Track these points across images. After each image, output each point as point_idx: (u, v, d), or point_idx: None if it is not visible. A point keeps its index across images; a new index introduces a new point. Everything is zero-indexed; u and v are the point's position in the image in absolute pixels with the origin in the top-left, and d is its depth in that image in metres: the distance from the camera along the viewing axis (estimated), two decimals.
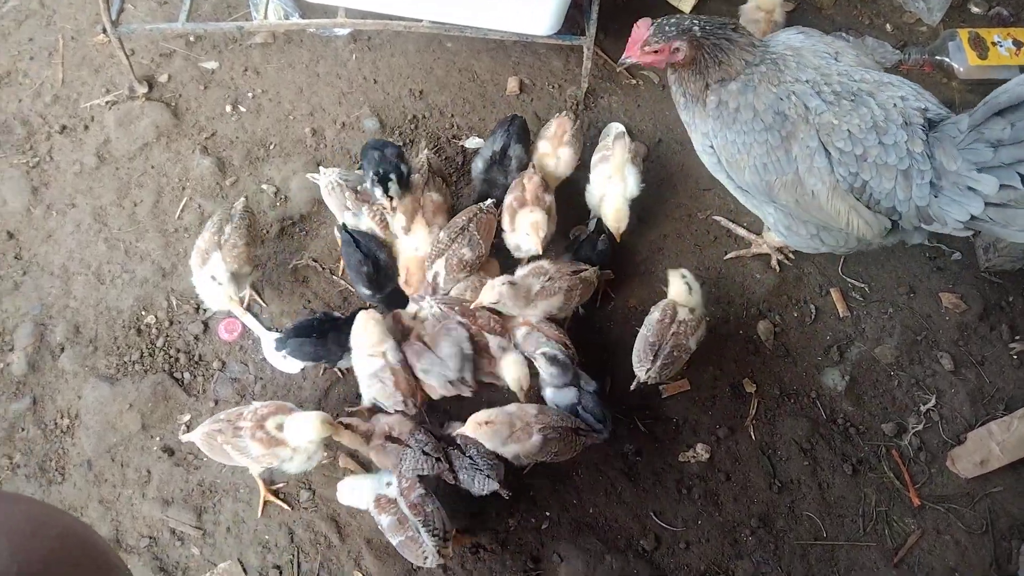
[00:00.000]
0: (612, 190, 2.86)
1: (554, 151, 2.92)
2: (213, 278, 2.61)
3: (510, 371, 2.56)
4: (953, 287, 3.06)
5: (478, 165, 2.96)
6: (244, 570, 2.54)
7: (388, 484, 2.44)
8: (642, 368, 2.60)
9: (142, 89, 3.21)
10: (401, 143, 3.17)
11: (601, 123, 3.27)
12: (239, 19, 3.37)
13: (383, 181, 2.65)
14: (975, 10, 3.72)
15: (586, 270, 2.75)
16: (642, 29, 2.40)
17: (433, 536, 2.34)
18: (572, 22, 3.09)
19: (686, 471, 2.71)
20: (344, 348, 2.59)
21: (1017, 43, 3.46)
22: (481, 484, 2.42)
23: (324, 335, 2.61)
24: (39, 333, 2.80)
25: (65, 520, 1.52)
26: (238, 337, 2.81)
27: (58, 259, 2.92)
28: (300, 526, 2.57)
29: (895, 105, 2.30)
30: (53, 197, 3.03)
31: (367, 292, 2.75)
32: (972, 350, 2.96)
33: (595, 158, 2.99)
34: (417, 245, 2.75)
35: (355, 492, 2.47)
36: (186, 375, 2.75)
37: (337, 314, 2.73)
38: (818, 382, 2.88)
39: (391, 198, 2.68)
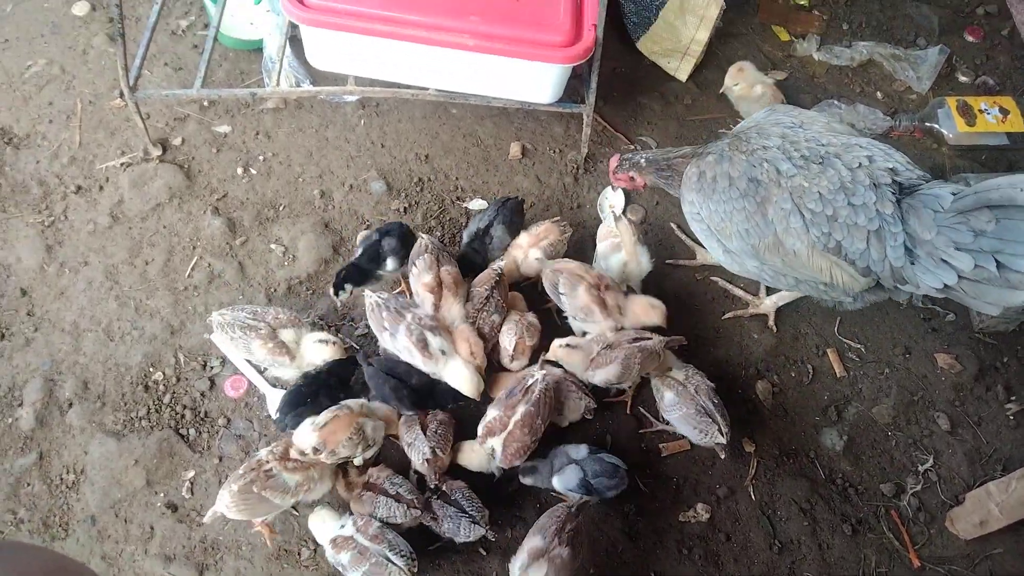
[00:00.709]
0: (630, 272, 2.94)
1: (526, 249, 2.97)
2: (321, 341, 2.73)
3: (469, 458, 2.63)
4: (948, 348, 3.11)
5: (463, 237, 3.05)
6: None
7: (342, 527, 2.46)
8: (717, 435, 2.62)
9: (156, 152, 3.32)
10: (406, 204, 3.27)
11: (600, 185, 3.37)
12: (252, 85, 3.50)
13: (337, 287, 2.81)
14: (962, 79, 3.86)
15: (649, 339, 2.70)
16: (613, 163, 2.96)
17: (402, 557, 2.35)
18: (572, 91, 3.22)
19: (686, 531, 2.72)
20: (337, 398, 2.63)
21: (1003, 111, 3.58)
22: (467, 531, 2.43)
23: (315, 396, 2.65)
24: (48, 389, 2.84)
25: (81, 571, 1.55)
26: (243, 394, 2.85)
27: (69, 316, 2.98)
28: None
29: (860, 165, 2.38)
30: (67, 255, 3.10)
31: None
32: (968, 410, 2.99)
33: (603, 247, 2.98)
34: (452, 319, 2.79)
35: (321, 525, 2.50)
36: (191, 431, 2.78)
37: (313, 371, 2.72)
38: (816, 442, 2.91)
39: (341, 302, 2.85)
